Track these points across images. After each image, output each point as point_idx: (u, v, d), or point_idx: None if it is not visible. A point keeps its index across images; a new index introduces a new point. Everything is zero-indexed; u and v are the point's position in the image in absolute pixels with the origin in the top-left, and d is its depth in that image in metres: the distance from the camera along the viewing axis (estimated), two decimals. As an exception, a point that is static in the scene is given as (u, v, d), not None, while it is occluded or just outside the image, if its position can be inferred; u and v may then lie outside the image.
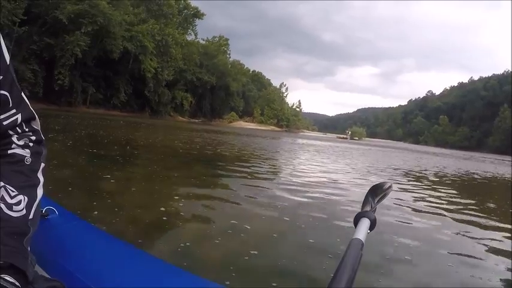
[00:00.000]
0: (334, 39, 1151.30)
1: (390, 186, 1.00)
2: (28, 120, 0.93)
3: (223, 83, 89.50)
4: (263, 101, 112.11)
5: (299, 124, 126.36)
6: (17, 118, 0.89)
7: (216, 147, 16.74)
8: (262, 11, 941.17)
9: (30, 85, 43.55)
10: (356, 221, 0.78)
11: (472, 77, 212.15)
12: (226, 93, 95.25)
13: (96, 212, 4.28)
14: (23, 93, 0.92)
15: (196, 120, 79.36)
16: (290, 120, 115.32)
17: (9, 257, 0.75)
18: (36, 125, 0.96)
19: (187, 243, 3.65)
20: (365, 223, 0.76)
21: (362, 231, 0.74)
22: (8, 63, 0.87)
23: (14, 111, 0.88)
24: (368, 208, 0.84)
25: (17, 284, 0.74)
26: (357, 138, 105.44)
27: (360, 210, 0.83)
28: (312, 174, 10.85)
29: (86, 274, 0.99)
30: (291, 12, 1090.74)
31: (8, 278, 0.73)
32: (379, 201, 0.93)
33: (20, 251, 0.79)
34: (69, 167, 7.13)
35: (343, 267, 0.60)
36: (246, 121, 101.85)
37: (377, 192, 0.94)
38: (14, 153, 0.89)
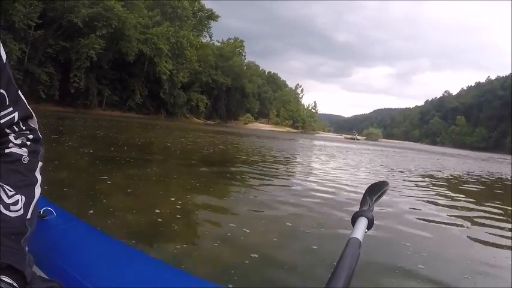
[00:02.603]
0: (348, 39, 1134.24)
1: (387, 185, 0.99)
2: (25, 118, 0.92)
3: (239, 84, 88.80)
4: (278, 103, 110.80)
5: (315, 125, 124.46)
6: (14, 116, 0.88)
7: (223, 149, 16.11)
8: (275, 12, 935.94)
9: (46, 88, 43.62)
10: (354, 220, 0.77)
11: (489, 76, 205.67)
12: (241, 94, 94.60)
13: (91, 211, 4.16)
14: (20, 92, 0.90)
15: (212, 122, 78.67)
16: (306, 122, 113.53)
17: (6, 258, 0.74)
18: (34, 123, 0.94)
19: (184, 245, 3.55)
20: (363, 222, 0.76)
21: (360, 230, 0.73)
22: (5, 61, 0.85)
23: (10, 109, 0.87)
24: (366, 207, 0.83)
25: (15, 284, 0.73)
26: (359, 139, 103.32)
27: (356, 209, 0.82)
28: (318, 175, 10.34)
29: (84, 274, 0.98)
30: (304, 13, 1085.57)
31: (5, 278, 0.72)
32: (376, 200, 0.92)
33: (18, 252, 0.78)
34: (68, 168, 6.97)
35: (341, 267, 0.59)
36: (262, 122, 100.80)
37: (374, 191, 0.93)
38: (11, 152, 0.88)
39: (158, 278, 1.00)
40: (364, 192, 0.91)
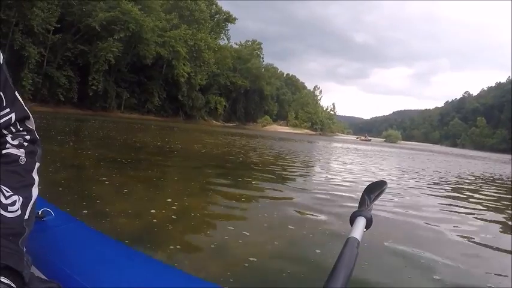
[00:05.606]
0: (366, 40, 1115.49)
1: (385, 185, 0.97)
2: (22, 119, 0.90)
3: (257, 86, 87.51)
4: (297, 105, 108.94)
5: (333, 127, 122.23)
6: (11, 117, 0.87)
7: (232, 151, 15.20)
8: (292, 13, 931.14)
9: (65, 91, 43.11)
10: (352, 220, 0.76)
11: (509, 76, 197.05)
12: (260, 97, 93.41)
13: (85, 211, 4.00)
14: (17, 93, 0.89)
15: (231, 124, 77.62)
16: (324, 124, 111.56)
17: (4, 259, 0.73)
18: (31, 124, 0.93)
19: (178, 246, 3.38)
20: (361, 222, 0.75)
21: (358, 229, 0.72)
22: (1, 62, 0.84)
23: (7, 110, 0.86)
24: (364, 207, 0.82)
25: (13, 285, 0.72)
26: (370, 139, 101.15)
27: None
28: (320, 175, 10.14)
29: (82, 275, 0.97)
30: (321, 13, 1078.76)
31: (3, 279, 0.71)
32: (374, 199, 0.90)
33: (16, 252, 0.76)
34: (69, 168, 6.89)
35: (339, 266, 0.58)
36: (280, 125, 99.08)
37: (373, 191, 0.91)
38: (9, 153, 0.86)
39: (156, 278, 0.98)
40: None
